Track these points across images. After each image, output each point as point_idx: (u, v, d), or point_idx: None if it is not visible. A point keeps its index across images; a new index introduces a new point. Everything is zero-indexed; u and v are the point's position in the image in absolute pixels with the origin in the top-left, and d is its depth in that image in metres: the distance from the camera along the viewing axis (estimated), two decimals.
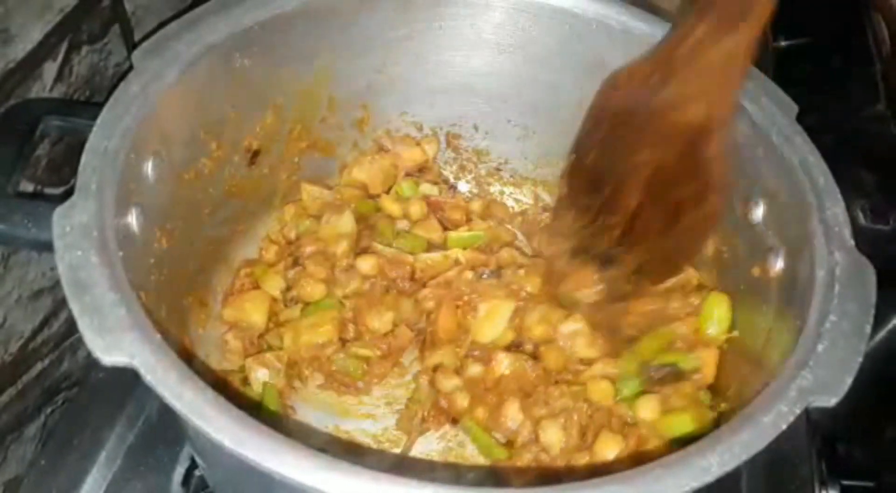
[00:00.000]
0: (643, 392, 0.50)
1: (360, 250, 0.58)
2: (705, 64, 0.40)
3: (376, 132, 0.63)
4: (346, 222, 0.58)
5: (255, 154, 0.57)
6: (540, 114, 0.60)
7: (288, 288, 0.57)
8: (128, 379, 0.55)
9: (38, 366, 0.57)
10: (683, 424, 0.47)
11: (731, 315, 0.52)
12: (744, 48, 0.40)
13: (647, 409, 0.48)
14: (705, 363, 0.50)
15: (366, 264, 0.56)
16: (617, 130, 0.47)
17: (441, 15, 0.57)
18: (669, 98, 0.42)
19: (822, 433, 0.59)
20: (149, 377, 0.34)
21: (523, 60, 0.59)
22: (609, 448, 0.46)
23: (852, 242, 0.42)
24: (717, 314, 0.51)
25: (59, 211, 0.39)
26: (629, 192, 0.46)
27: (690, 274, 0.54)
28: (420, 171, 0.65)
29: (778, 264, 0.46)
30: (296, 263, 0.58)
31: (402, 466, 0.50)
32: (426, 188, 0.63)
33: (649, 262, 0.49)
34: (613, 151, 0.46)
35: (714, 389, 0.51)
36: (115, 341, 0.35)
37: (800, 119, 0.48)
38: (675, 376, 0.50)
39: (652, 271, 0.50)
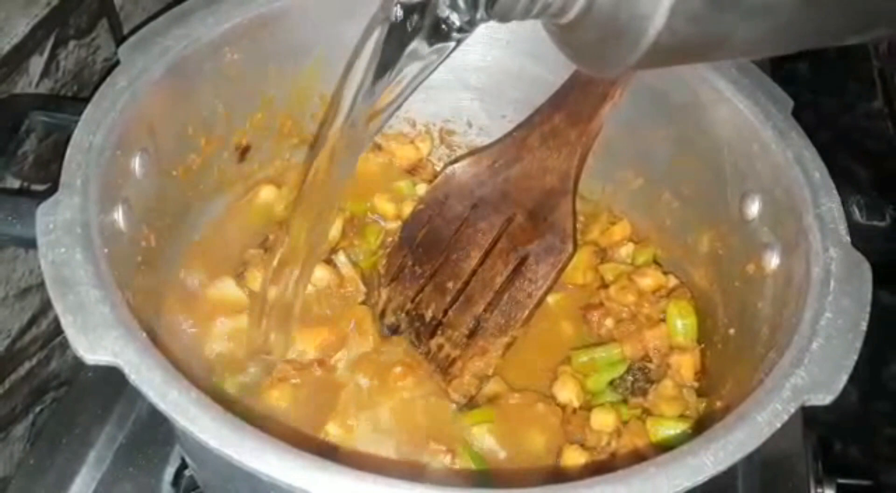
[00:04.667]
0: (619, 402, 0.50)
1: (330, 252, 0.56)
2: (554, 145, 0.53)
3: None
4: (332, 228, 0.56)
5: (245, 150, 0.56)
6: (534, 109, 0.59)
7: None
8: (117, 378, 0.54)
9: (26, 365, 0.57)
10: (666, 425, 0.47)
11: (696, 321, 0.52)
12: (584, 138, 0.52)
13: (600, 421, 0.48)
14: (681, 366, 0.50)
15: (319, 274, 0.53)
16: (454, 207, 0.55)
17: None
18: (525, 171, 0.54)
19: (818, 432, 0.59)
20: (133, 377, 0.33)
21: (517, 55, 0.58)
22: (573, 461, 0.46)
23: (848, 239, 0.42)
24: (680, 324, 0.52)
25: (43, 207, 0.38)
26: (470, 254, 0.54)
27: (662, 279, 0.54)
28: (414, 169, 0.64)
29: (773, 261, 0.46)
30: (264, 243, 0.55)
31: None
32: (421, 189, 0.62)
33: (486, 317, 0.52)
34: (449, 224, 0.55)
35: (709, 387, 0.51)
36: (99, 339, 0.34)
37: (796, 115, 0.48)
38: (647, 381, 0.50)
39: (492, 324, 0.52)
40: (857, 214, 0.46)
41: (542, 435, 0.47)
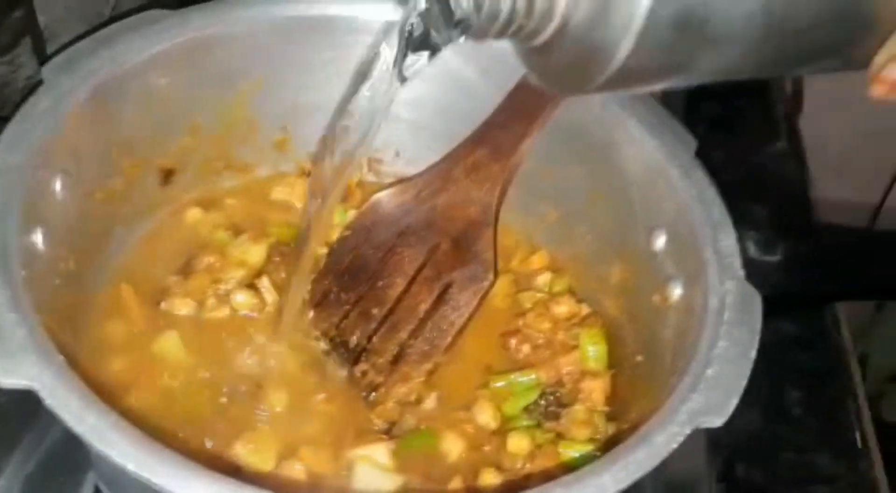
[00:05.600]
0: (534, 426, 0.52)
1: (254, 276, 0.56)
2: (477, 178, 0.56)
3: (297, 155, 0.63)
4: (256, 253, 0.56)
5: (170, 173, 0.57)
6: (458, 142, 0.62)
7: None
8: (28, 406, 0.53)
9: None
10: (576, 448, 0.49)
11: (606, 349, 0.55)
12: (505, 173, 0.55)
13: (516, 445, 0.50)
14: (592, 390, 0.53)
15: (241, 299, 0.54)
16: (380, 234, 0.57)
17: (362, 42, 0.58)
18: (450, 202, 0.57)
19: (723, 455, 0.62)
20: (49, 400, 0.33)
21: (445, 90, 0.60)
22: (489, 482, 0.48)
23: (742, 273, 0.45)
24: (591, 351, 0.54)
25: None
26: (395, 281, 0.56)
27: (576, 307, 0.57)
28: (343, 196, 0.65)
29: (676, 292, 0.49)
30: (185, 267, 0.55)
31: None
32: (351, 216, 0.63)
33: (411, 343, 0.54)
34: (375, 251, 0.57)
35: (619, 411, 0.53)
36: (16, 363, 0.34)
37: (706, 154, 0.51)
38: (558, 406, 0.53)
39: (416, 351, 0.54)
40: (752, 250, 0.50)
41: (459, 441, 0.49)
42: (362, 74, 0.43)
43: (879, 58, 0.31)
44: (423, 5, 0.36)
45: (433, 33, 0.37)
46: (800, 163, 0.96)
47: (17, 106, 0.45)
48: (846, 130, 1.07)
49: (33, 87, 0.47)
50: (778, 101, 1.03)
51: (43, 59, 0.58)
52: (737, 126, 0.98)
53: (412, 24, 0.38)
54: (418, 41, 0.38)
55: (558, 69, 0.33)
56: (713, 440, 0.61)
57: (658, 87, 0.34)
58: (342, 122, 0.45)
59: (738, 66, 0.32)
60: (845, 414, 0.68)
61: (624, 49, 0.29)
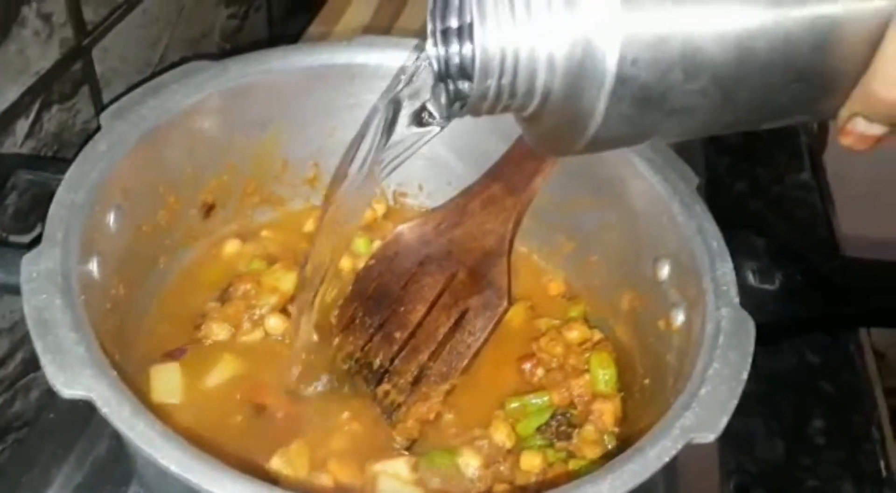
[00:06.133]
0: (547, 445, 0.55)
1: (286, 302, 0.60)
2: (492, 211, 0.60)
3: (327, 190, 0.68)
4: (288, 280, 0.60)
5: (211, 208, 0.62)
6: (474, 178, 0.66)
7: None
8: (77, 420, 0.58)
9: None
10: (586, 467, 0.52)
11: (616, 372, 0.57)
12: (518, 206, 0.59)
13: (529, 463, 0.53)
14: (602, 413, 0.55)
15: (273, 323, 0.58)
16: (403, 263, 0.61)
17: (385, 87, 0.62)
18: (467, 233, 0.61)
19: (744, 481, 0.64)
20: (104, 410, 0.38)
21: (461, 130, 0.64)
22: None
23: (737, 300, 0.48)
24: (601, 374, 0.57)
25: (28, 257, 0.43)
26: (416, 307, 0.59)
27: (587, 333, 0.60)
28: (369, 227, 0.70)
29: (679, 318, 0.52)
30: (223, 295, 0.60)
31: None
32: (376, 246, 0.67)
33: (430, 365, 0.57)
34: (398, 279, 0.61)
35: (626, 433, 0.56)
36: (75, 376, 0.38)
37: (730, 184, 0.54)
38: (569, 426, 0.56)
39: (435, 372, 0.57)
40: (750, 279, 0.53)
41: (475, 458, 0.53)
42: (362, 134, 0.47)
43: (843, 113, 0.35)
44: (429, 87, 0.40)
45: (432, 110, 0.41)
46: (822, 196, 0.98)
47: (77, 148, 0.51)
48: (871, 166, 1.08)
49: (92, 132, 0.52)
50: (800, 132, 1.05)
51: (98, 104, 0.64)
52: (760, 157, 1.00)
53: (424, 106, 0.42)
54: (416, 118, 0.42)
55: (546, 136, 0.38)
56: (737, 468, 0.63)
57: (636, 146, 0.37)
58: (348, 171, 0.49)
59: (704, 128, 0.35)
60: (869, 443, 0.70)
61: (594, 123, 0.33)
